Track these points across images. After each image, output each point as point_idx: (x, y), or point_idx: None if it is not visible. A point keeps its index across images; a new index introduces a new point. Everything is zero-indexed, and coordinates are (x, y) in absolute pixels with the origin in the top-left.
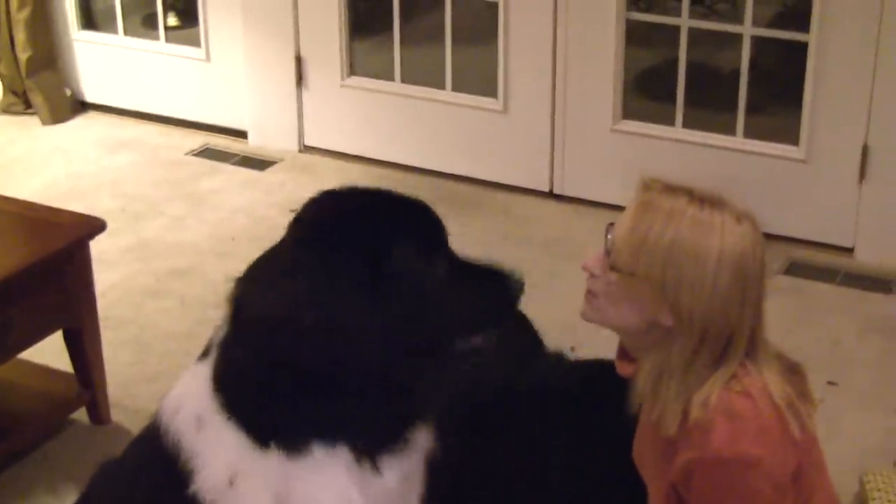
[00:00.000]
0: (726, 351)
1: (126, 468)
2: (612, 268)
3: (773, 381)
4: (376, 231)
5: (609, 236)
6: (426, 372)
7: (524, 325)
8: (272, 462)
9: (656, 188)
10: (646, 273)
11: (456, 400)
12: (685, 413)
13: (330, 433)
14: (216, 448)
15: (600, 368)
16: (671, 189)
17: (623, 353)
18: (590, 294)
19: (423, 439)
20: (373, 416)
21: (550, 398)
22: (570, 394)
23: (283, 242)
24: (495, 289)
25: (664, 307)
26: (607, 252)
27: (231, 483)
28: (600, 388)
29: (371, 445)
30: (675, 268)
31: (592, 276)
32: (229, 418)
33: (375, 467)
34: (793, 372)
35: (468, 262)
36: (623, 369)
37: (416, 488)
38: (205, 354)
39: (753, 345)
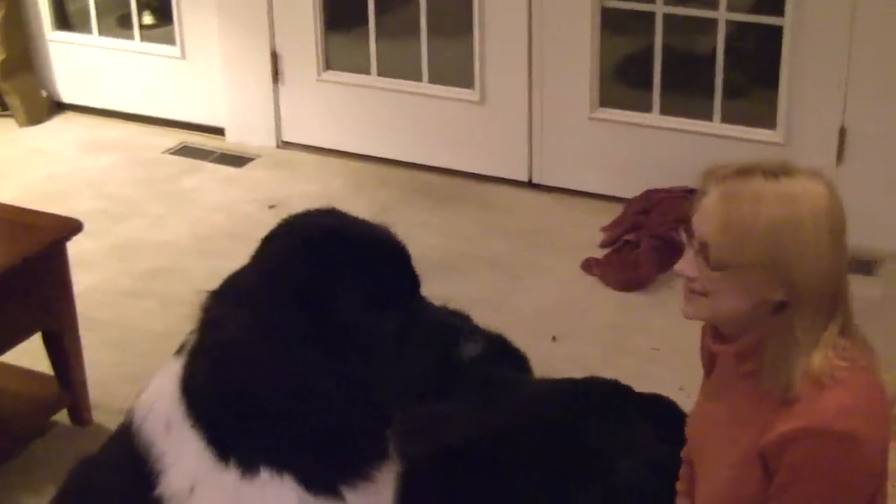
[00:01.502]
0: (833, 308)
1: (101, 465)
2: (716, 267)
3: (866, 348)
4: (329, 274)
5: (695, 236)
6: (373, 417)
7: (505, 346)
8: (228, 478)
9: (727, 175)
10: (753, 261)
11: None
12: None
13: (276, 461)
14: (181, 453)
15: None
16: (742, 172)
17: (715, 333)
18: (693, 294)
19: (387, 475)
20: (320, 451)
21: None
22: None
23: (251, 262)
24: (443, 356)
25: (775, 286)
26: (697, 252)
27: (191, 491)
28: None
29: (322, 478)
30: (778, 246)
31: (690, 279)
32: (193, 426)
33: (335, 495)
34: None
35: (429, 317)
36: (717, 349)
37: None
38: (180, 351)
39: (846, 305)
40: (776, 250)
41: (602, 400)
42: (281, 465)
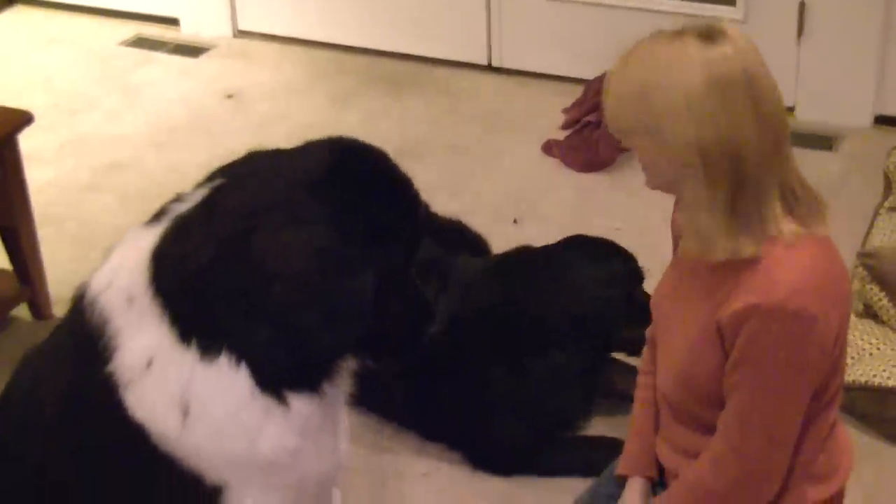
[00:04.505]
0: (741, 174)
1: (48, 351)
2: (619, 135)
3: (821, 217)
4: (370, 197)
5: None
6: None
7: (462, 232)
8: (187, 357)
9: (639, 40)
10: (633, 127)
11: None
12: (737, 250)
13: (238, 349)
14: (140, 328)
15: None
16: (646, 36)
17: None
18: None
19: (341, 384)
20: (280, 354)
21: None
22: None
23: (295, 162)
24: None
25: (666, 150)
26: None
27: (148, 366)
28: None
29: (273, 378)
30: (650, 111)
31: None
32: (155, 296)
33: (281, 397)
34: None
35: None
36: (674, 217)
37: (331, 422)
38: (154, 219)
39: (788, 189)
40: (645, 113)
41: (532, 266)
42: (241, 353)
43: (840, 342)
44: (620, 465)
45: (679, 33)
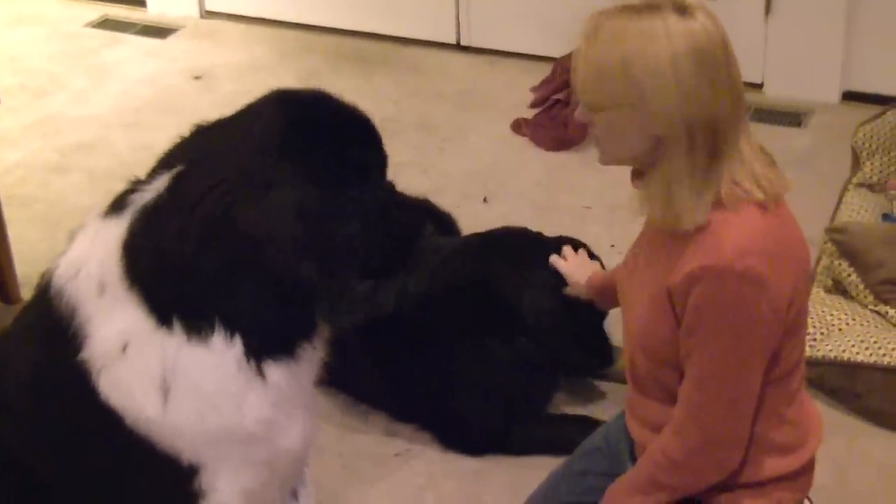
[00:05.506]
0: (716, 143)
1: (15, 335)
2: (591, 110)
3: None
4: (326, 148)
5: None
6: (335, 294)
7: (430, 210)
8: (169, 339)
9: (594, 15)
10: (614, 102)
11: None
12: (703, 219)
13: (231, 323)
14: (114, 315)
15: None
16: (609, 11)
17: (635, 172)
18: (595, 141)
19: (314, 355)
20: (271, 320)
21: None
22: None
23: (249, 129)
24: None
25: (648, 123)
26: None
27: (123, 350)
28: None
29: (260, 347)
30: (635, 85)
31: (591, 126)
32: (131, 287)
33: (259, 369)
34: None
35: (399, 202)
36: (633, 185)
37: (303, 396)
38: (115, 211)
39: (746, 156)
40: (632, 90)
41: (510, 249)
42: (236, 326)
43: (795, 307)
44: None
45: (651, 7)
